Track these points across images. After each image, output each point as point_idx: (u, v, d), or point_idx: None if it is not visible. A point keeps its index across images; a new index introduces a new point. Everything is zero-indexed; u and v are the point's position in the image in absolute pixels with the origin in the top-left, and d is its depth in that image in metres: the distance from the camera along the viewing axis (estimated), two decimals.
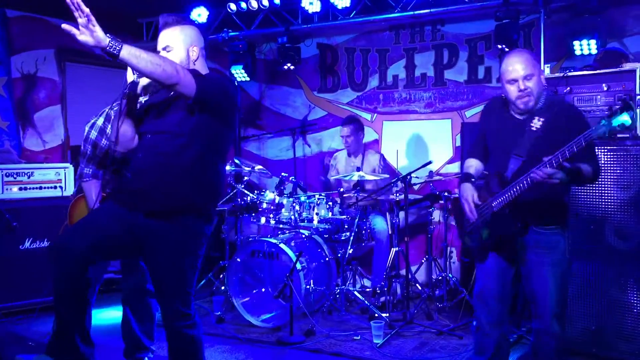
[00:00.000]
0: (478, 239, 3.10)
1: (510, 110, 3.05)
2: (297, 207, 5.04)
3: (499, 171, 2.97)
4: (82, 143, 3.63)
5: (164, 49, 2.89)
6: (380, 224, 5.36)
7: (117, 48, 2.47)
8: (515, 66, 2.89)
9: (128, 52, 2.49)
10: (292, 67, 6.34)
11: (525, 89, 2.89)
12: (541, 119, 2.89)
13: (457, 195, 4.52)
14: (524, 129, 2.92)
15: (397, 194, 5.14)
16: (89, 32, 2.52)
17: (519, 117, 3.00)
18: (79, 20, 2.50)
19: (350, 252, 4.95)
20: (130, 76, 2.95)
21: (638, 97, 3.82)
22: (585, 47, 4.85)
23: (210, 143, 2.84)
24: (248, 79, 6.59)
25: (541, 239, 2.95)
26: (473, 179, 3.12)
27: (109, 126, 3.51)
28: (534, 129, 2.89)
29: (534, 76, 2.89)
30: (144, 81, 2.90)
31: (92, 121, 3.61)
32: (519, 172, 2.87)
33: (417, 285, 5.29)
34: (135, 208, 2.82)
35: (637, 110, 3.84)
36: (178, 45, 2.89)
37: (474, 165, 3.21)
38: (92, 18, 2.51)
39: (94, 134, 3.56)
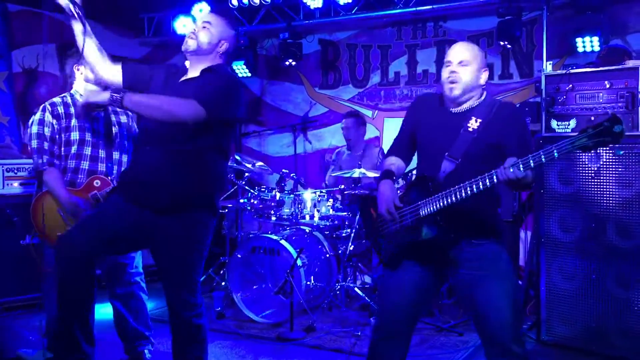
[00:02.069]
0: (393, 244, 2.77)
1: (445, 105, 2.79)
2: (298, 204, 5.04)
3: (429, 174, 2.69)
4: (28, 143, 3.62)
5: (204, 22, 2.93)
6: None
7: (118, 100, 2.66)
8: (455, 50, 2.74)
9: (129, 101, 2.67)
10: (293, 63, 6.33)
11: (455, 72, 2.68)
12: (479, 120, 2.67)
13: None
14: (459, 129, 2.68)
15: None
16: (85, 96, 2.84)
17: (454, 112, 2.74)
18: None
19: (351, 248, 4.94)
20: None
21: None
22: (588, 44, 4.84)
23: (216, 137, 2.85)
24: (249, 74, 6.58)
25: (480, 252, 2.65)
26: (394, 178, 2.83)
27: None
28: (470, 129, 2.66)
29: (468, 65, 2.68)
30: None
31: (30, 121, 3.58)
32: (452, 175, 2.61)
33: None
34: (141, 204, 2.83)
35: None
36: (215, 29, 2.93)
37: (395, 163, 2.90)
38: (86, 98, 2.81)
39: (35, 129, 3.50)
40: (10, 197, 5.00)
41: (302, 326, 4.49)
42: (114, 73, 2.98)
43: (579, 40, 4.86)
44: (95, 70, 2.97)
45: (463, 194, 2.49)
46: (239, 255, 4.88)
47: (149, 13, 6.74)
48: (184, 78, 2.98)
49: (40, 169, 3.49)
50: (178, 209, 2.82)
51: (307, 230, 5.06)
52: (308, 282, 4.67)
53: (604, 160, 3.90)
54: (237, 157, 5.42)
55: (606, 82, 3.94)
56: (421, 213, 2.64)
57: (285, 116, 7.05)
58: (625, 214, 3.82)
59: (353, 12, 5.89)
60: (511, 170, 2.36)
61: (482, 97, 2.75)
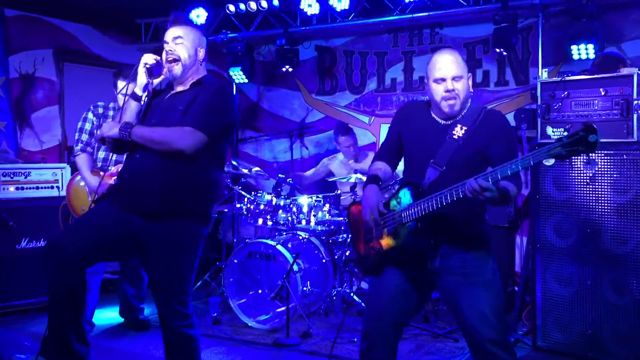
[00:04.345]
0: (376, 250, 2.76)
1: (432, 114, 2.78)
2: (294, 209, 5.04)
3: (414, 180, 2.70)
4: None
5: (175, 39, 2.94)
6: None
7: (127, 135, 2.82)
8: (445, 64, 2.67)
9: (135, 136, 2.80)
10: (290, 69, 6.34)
11: (453, 89, 2.64)
12: (464, 127, 2.66)
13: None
14: (445, 137, 2.68)
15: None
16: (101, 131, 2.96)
17: (442, 122, 2.73)
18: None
19: (348, 254, 4.94)
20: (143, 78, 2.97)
21: (635, 101, 3.84)
22: (583, 51, 4.86)
23: (208, 146, 2.84)
24: (246, 80, 6.59)
25: (463, 259, 2.65)
26: (380, 182, 2.82)
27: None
28: (455, 137, 2.65)
29: (462, 78, 2.66)
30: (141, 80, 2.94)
31: (83, 116, 4.47)
32: (436, 183, 2.61)
33: None
34: (132, 210, 2.82)
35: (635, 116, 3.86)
36: (188, 41, 2.95)
37: (382, 168, 2.88)
38: (102, 132, 2.96)
39: (79, 124, 4.42)
40: (6, 201, 4.99)
41: (298, 332, 4.48)
42: None
43: (574, 47, 4.88)
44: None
45: (440, 202, 2.47)
46: (235, 261, 4.87)
47: (146, 19, 6.75)
48: (173, 92, 2.99)
49: (74, 154, 4.40)
50: (168, 216, 2.81)
51: (304, 236, 5.06)
52: (304, 288, 4.67)
53: (600, 166, 3.92)
54: (234, 163, 5.43)
55: (601, 89, 3.96)
56: (403, 219, 2.63)
57: (282, 122, 7.07)
58: (621, 220, 3.83)
59: (350, 18, 5.91)
60: (476, 180, 2.31)
61: (468, 104, 2.74)
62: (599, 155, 3.91)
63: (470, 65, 5.92)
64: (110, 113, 4.40)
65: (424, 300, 2.93)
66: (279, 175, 5.19)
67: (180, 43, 2.93)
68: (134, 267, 4.58)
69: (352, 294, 4.92)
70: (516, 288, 5.02)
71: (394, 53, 6.35)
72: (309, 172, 6.03)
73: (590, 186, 3.95)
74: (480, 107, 2.76)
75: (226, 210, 5.82)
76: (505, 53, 5.32)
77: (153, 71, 2.91)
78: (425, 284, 2.77)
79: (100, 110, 4.43)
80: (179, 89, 2.99)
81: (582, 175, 3.98)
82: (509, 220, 5.08)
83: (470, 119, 2.68)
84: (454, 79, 2.65)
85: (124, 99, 2.95)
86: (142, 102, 2.94)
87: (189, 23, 3.06)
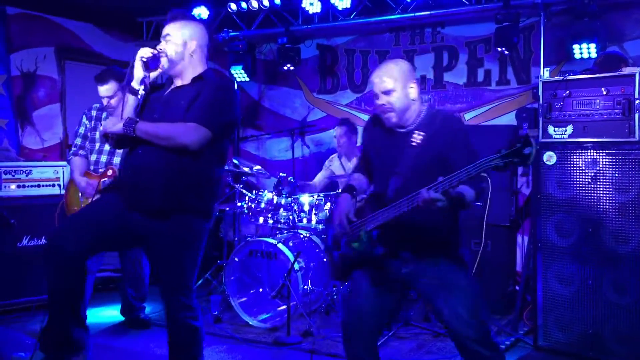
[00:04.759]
0: (342, 256, 2.87)
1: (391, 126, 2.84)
2: (295, 207, 5.04)
3: (380, 191, 2.79)
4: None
5: (164, 37, 2.97)
6: None
7: (131, 131, 2.81)
8: (377, 79, 2.73)
9: (139, 132, 2.81)
10: (291, 68, 6.34)
11: (383, 104, 2.71)
12: (422, 134, 2.72)
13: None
14: (404, 145, 2.74)
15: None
16: (104, 127, 2.93)
17: (400, 130, 2.79)
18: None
19: None
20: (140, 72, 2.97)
21: (637, 101, 3.83)
22: (585, 50, 4.86)
23: (211, 142, 2.85)
24: (248, 79, 6.59)
25: (432, 264, 2.71)
26: (354, 192, 2.90)
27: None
28: (414, 144, 2.72)
29: (393, 92, 2.69)
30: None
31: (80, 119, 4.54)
32: (401, 191, 2.66)
33: None
34: (133, 206, 2.83)
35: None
36: (176, 36, 2.96)
37: (358, 179, 3.01)
38: (105, 128, 2.95)
39: (77, 127, 4.51)
40: (7, 199, 4.99)
41: (299, 331, 4.48)
42: None
43: (576, 46, 4.87)
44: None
45: (397, 211, 2.57)
46: (236, 259, 4.87)
47: (147, 17, 6.75)
48: (173, 86, 3.00)
49: (67, 158, 4.58)
50: (170, 213, 2.82)
51: (305, 234, 5.06)
52: (305, 286, 4.67)
53: (601, 166, 3.91)
54: (235, 161, 5.43)
55: (603, 88, 3.95)
56: (366, 227, 2.73)
57: (284, 121, 7.06)
58: (622, 220, 3.83)
59: (351, 17, 5.91)
60: (427, 191, 2.41)
61: (424, 110, 2.80)
62: (601, 154, 3.91)
63: (472, 64, 5.92)
64: (104, 115, 4.37)
65: (401, 302, 3.00)
66: (280, 174, 5.19)
67: (169, 40, 2.95)
68: (133, 268, 4.61)
69: None
70: (517, 287, 5.02)
71: (395, 52, 6.34)
72: (315, 180, 5.98)
73: (592, 185, 3.94)
74: (436, 111, 2.85)
75: (227, 208, 5.82)
76: (506, 52, 5.32)
77: (150, 64, 2.89)
78: (397, 288, 2.85)
79: (94, 113, 4.46)
80: (179, 83, 2.99)
81: (583, 174, 3.98)
82: (510, 219, 5.07)
83: (427, 125, 2.75)
84: (385, 93, 2.71)
85: (124, 94, 2.95)
86: (140, 96, 2.93)
87: (182, 17, 3.04)
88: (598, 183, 3.92)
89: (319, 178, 5.92)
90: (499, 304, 4.99)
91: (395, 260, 2.73)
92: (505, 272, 5.13)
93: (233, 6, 6.08)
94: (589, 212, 3.94)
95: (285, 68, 6.32)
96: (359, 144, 5.91)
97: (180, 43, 2.95)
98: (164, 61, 2.92)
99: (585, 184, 3.97)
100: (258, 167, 5.54)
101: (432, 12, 5.50)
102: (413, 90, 2.75)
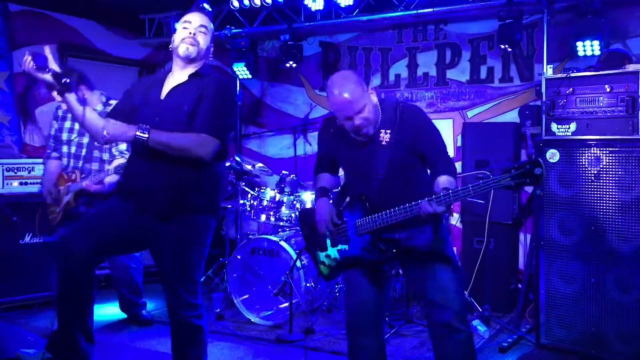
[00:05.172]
0: (331, 258, 2.94)
1: (350, 134, 2.83)
2: (298, 205, 5.04)
3: (362, 193, 2.82)
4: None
5: (200, 27, 2.93)
6: None
7: (144, 140, 2.71)
8: (344, 106, 2.67)
9: (153, 142, 2.72)
10: (294, 65, 6.33)
11: (361, 123, 2.69)
12: (388, 131, 2.75)
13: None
14: (374, 146, 2.77)
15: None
16: (109, 133, 2.74)
17: (364, 139, 2.79)
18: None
19: None
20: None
21: None
22: (589, 48, 4.84)
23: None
24: (250, 76, 6.58)
25: (419, 247, 2.79)
26: (329, 193, 3.00)
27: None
28: (384, 143, 2.75)
29: (366, 106, 2.68)
30: None
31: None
32: (383, 192, 2.74)
33: None
34: (139, 210, 2.83)
35: None
36: (210, 34, 2.99)
37: (326, 179, 3.07)
38: (111, 135, 2.75)
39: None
40: (9, 196, 5.00)
41: (301, 328, 4.48)
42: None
43: (579, 44, 4.86)
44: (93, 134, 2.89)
45: (394, 219, 2.66)
46: (239, 257, 4.88)
47: (149, 14, 6.73)
48: (171, 84, 2.94)
49: (43, 161, 4.47)
50: (177, 213, 2.83)
51: None
52: (307, 284, 4.67)
53: (604, 163, 3.90)
54: (237, 159, 5.43)
55: (606, 86, 3.94)
56: (358, 230, 2.81)
57: (286, 118, 7.05)
58: (625, 218, 3.82)
59: (354, 14, 5.89)
60: (432, 205, 2.51)
61: (379, 107, 2.81)
62: (604, 152, 3.90)
63: (475, 61, 5.90)
64: (69, 115, 4.28)
65: (390, 286, 3.12)
66: (283, 171, 5.19)
67: (203, 32, 2.94)
68: (122, 270, 4.60)
69: None
70: (520, 285, 5.02)
71: (398, 49, 6.32)
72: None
73: (595, 183, 3.93)
74: (395, 104, 2.84)
75: (229, 206, 5.82)
76: (509, 49, 5.30)
77: (39, 64, 2.69)
78: (389, 274, 2.98)
79: (60, 113, 4.40)
80: (178, 78, 2.93)
81: (587, 172, 3.97)
82: (512, 217, 5.06)
83: (390, 121, 2.77)
84: (358, 112, 2.68)
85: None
86: (67, 86, 2.72)
87: (211, 16, 3.09)
88: (601, 181, 3.91)
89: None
90: (501, 301, 4.99)
91: (384, 261, 2.83)
92: (508, 270, 5.12)
93: (235, 3, 6.06)
94: (592, 210, 3.93)
95: (288, 65, 6.31)
96: None
97: (210, 42, 2.99)
98: (192, 49, 2.87)
99: (588, 182, 3.96)
100: (260, 164, 5.54)
101: (435, 9, 5.48)
102: (373, 96, 2.77)
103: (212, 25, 3.04)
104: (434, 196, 2.52)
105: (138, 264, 4.66)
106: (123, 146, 4.13)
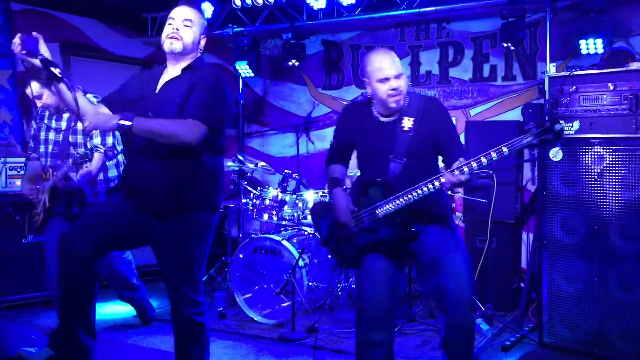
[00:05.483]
0: (351, 247, 2.97)
1: (374, 112, 2.98)
2: (300, 204, 5.03)
3: (378, 178, 2.89)
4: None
5: (184, 20, 2.89)
6: None
7: (127, 127, 2.64)
8: (386, 64, 2.84)
9: (137, 129, 2.65)
10: (296, 64, 6.32)
11: (397, 87, 2.83)
12: (411, 119, 2.87)
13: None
14: (395, 131, 2.88)
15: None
16: (91, 122, 2.68)
17: (385, 120, 2.94)
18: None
19: None
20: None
21: None
22: (592, 46, 4.83)
23: (208, 138, 2.82)
24: (252, 74, 6.58)
25: (435, 234, 2.88)
26: (343, 185, 3.06)
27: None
28: (405, 129, 2.86)
29: (402, 75, 2.85)
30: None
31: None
32: (402, 175, 2.83)
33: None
34: (139, 210, 2.83)
35: None
36: (197, 26, 2.93)
37: (339, 170, 3.14)
38: (85, 121, 2.69)
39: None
40: (12, 195, 5.00)
41: (304, 327, 4.48)
42: (102, 110, 2.89)
43: (582, 42, 4.84)
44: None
45: (416, 196, 2.74)
46: (241, 256, 4.88)
47: (152, 13, 6.74)
48: (165, 79, 2.93)
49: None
50: (177, 212, 2.83)
51: (309, 231, 5.05)
52: (310, 283, 4.67)
53: (608, 162, 3.89)
54: (240, 157, 5.42)
55: (610, 84, 3.93)
56: (378, 215, 2.86)
57: (288, 116, 7.05)
58: (628, 217, 3.81)
59: (356, 13, 5.89)
60: (457, 173, 2.60)
61: (408, 97, 2.94)
62: (608, 150, 3.88)
63: (478, 59, 5.89)
64: (47, 113, 4.14)
65: (401, 276, 3.22)
66: (285, 170, 5.18)
67: (188, 26, 2.89)
68: (110, 274, 4.49)
69: None
70: (522, 284, 5.01)
71: (400, 47, 6.31)
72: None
73: (598, 182, 3.92)
74: (419, 95, 2.99)
75: (232, 205, 5.82)
76: (512, 47, 5.29)
77: (30, 49, 2.60)
78: (402, 261, 3.03)
79: (39, 112, 4.23)
80: (171, 73, 2.93)
81: (589, 171, 3.95)
82: (515, 217, 5.06)
83: (414, 110, 2.89)
84: (396, 77, 2.83)
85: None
86: (59, 74, 2.65)
87: (200, 7, 3.03)
88: (604, 180, 3.90)
89: None
90: (504, 300, 4.98)
91: (407, 240, 2.86)
92: (511, 269, 5.11)
93: (238, 2, 6.06)
94: (595, 208, 3.92)
95: (290, 64, 6.30)
96: None
97: (198, 35, 2.93)
98: (176, 44, 2.85)
99: (591, 181, 3.95)
100: (263, 163, 5.53)
101: (437, 7, 5.47)
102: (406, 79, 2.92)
103: (199, 17, 2.96)
104: (455, 166, 2.60)
105: (128, 264, 4.57)
106: (97, 140, 4.00)
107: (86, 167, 3.85)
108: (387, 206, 2.82)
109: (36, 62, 2.59)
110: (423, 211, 2.84)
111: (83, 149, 3.86)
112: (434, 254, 2.86)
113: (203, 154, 2.85)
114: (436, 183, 2.68)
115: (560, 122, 2.49)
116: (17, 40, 2.58)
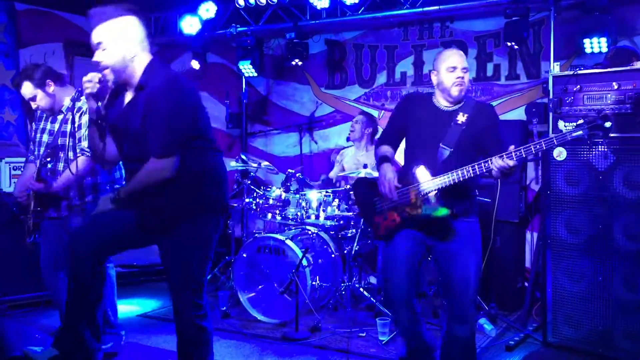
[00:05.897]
0: (389, 220, 3.18)
1: (434, 103, 3.22)
2: (304, 204, 5.03)
3: (426, 160, 3.09)
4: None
5: (97, 45, 2.77)
6: None
7: (118, 197, 2.82)
8: (457, 57, 3.14)
9: (125, 195, 2.80)
10: (299, 63, 6.32)
11: (462, 77, 3.11)
12: (465, 115, 3.12)
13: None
14: (450, 122, 3.13)
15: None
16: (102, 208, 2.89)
17: (444, 109, 3.19)
18: None
19: (357, 248, 4.93)
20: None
21: None
22: (596, 45, 4.82)
23: (189, 149, 2.78)
24: (256, 74, 6.58)
25: (464, 227, 3.12)
26: (391, 161, 3.25)
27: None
28: (459, 122, 3.11)
29: (468, 71, 3.15)
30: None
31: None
32: (448, 161, 3.05)
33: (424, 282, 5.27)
34: (141, 228, 2.83)
35: None
36: (111, 42, 2.77)
37: (389, 150, 3.32)
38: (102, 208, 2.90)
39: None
40: None
41: (308, 326, 4.48)
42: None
43: (586, 41, 4.83)
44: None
45: (464, 175, 2.94)
46: (244, 255, 4.88)
47: (155, 13, 6.74)
48: (126, 101, 2.87)
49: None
50: (177, 224, 2.82)
51: (313, 231, 5.05)
52: (313, 282, 4.67)
53: (611, 161, 3.88)
54: (243, 157, 5.42)
55: (614, 83, 3.92)
56: (421, 192, 3.05)
57: (291, 116, 7.05)
58: (633, 216, 3.80)
59: (359, 12, 5.88)
60: (505, 157, 2.79)
61: (466, 99, 3.21)
62: (612, 150, 3.87)
63: (481, 59, 5.88)
64: (44, 115, 4.04)
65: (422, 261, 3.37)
66: (289, 170, 5.18)
67: (103, 49, 2.75)
68: None
69: (361, 289, 4.91)
70: (526, 284, 5.00)
71: (404, 47, 6.31)
72: (332, 173, 5.94)
73: (602, 181, 3.91)
74: (473, 99, 3.26)
75: (235, 204, 5.82)
76: (516, 47, 5.28)
77: (99, 94, 2.79)
78: (424, 247, 3.21)
79: (38, 113, 4.12)
80: (129, 94, 2.89)
81: (593, 170, 3.95)
82: (519, 216, 5.05)
83: (468, 108, 3.16)
84: (464, 69, 3.13)
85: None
86: (100, 121, 2.85)
87: (108, 15, 2.78)
88: (608, 179, 3.89)
89: (335, 172, 5.88)
90: (508, 300, 4.98)
91: (440, 220, 3.05)
92: (515, 269, 5.10)
93: (241, 1, 6.06)
94: (599, 208, 3.91)
95: (293, 63, 6.30)
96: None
97: (118, 49, 2.75)
98: (109, 75, 2.82)
99: (595, 180, 3.94)
100: (266, 162, 5.53)
101: (441, 6, 5.46)
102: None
103: (111, 27, 2.77)
104: (510, 149, 2.79)
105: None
106: (85, 144, 3.78)
107: (69, 170, 3.64)
108: (433, 182, 3.01)
109: (93, 105, 2.83)
110: (462, 199, 3.08)
111: (72, 154, 3.67)
112: (454, 246, 3.09)
113: (188, 163, 2.77)
114: (485, 166, 2.87)
115: (610, 120, 2.68)
116: (95, 85, 2.82)
